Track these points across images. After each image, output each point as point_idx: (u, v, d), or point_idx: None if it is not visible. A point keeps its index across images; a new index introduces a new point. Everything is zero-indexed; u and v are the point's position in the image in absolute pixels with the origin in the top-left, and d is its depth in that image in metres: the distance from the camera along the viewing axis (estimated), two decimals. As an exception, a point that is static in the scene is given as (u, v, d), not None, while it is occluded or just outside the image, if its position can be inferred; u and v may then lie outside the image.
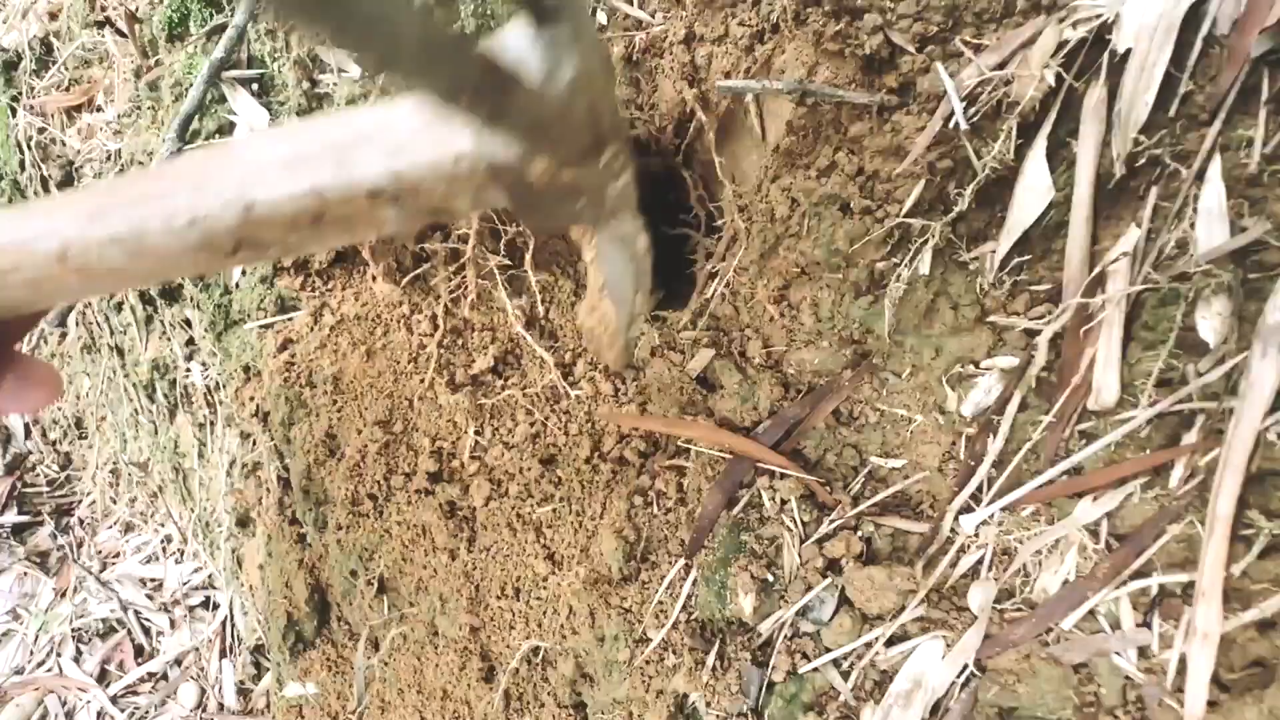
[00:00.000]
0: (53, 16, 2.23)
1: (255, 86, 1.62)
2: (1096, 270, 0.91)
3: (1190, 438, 0.86)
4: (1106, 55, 0.87)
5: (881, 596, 0.94)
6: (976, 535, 0.96)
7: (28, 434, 2.76)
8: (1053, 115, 0.92)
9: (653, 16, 1.19)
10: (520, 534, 1.25)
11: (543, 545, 1.23)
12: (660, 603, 1.07)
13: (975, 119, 0.93)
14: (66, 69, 2.12)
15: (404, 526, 1.37)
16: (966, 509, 0.98)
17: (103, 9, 2.01)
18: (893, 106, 0.98)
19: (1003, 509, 0.95)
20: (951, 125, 0.92)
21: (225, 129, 1.60)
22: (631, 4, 1.20)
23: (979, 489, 0.98)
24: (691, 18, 1.14)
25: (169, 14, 1.67)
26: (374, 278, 1.40)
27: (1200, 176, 0.85)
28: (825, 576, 0.98)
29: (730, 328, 1.18)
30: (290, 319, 1.53)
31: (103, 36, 2.01)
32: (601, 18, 1.21)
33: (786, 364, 1.11)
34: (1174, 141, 0.87)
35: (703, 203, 1.29)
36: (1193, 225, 0.86)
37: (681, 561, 1.07)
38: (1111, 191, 0.91)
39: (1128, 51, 0.85)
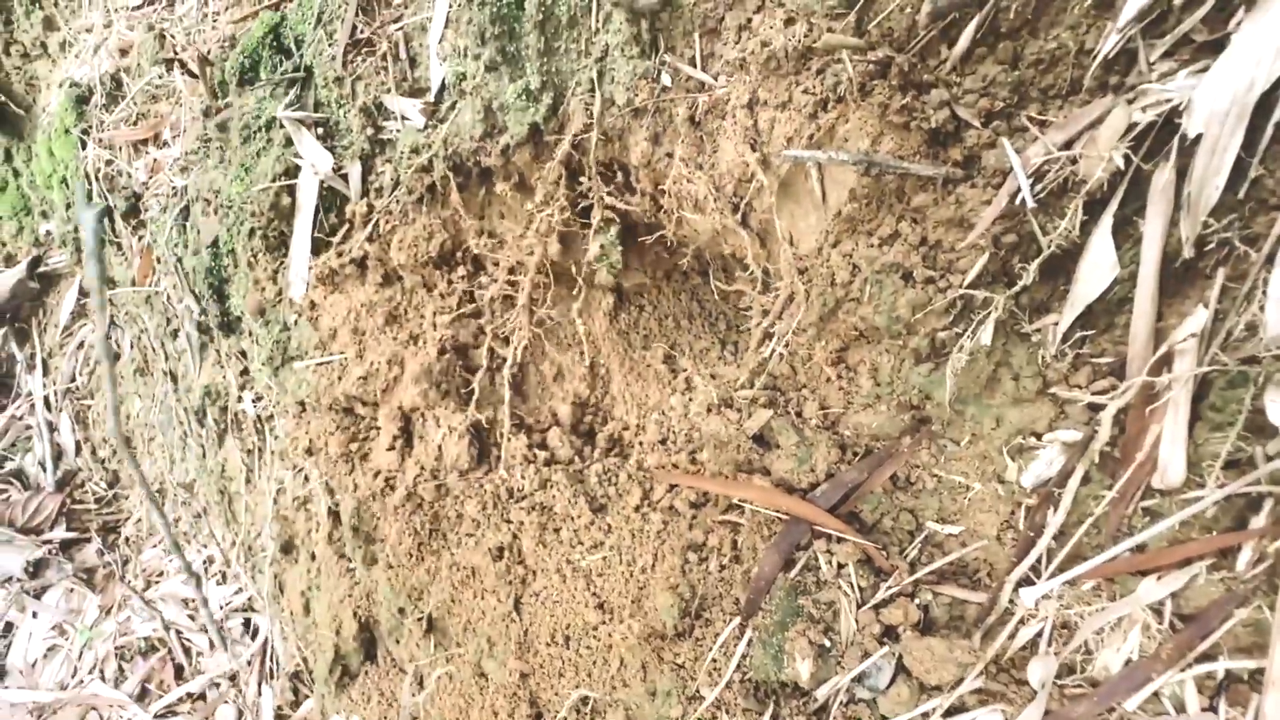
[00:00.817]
0: (123, 53, 2.32)
1: (320, 130, 1.68)
2: (1163, 349, 0.91)
3: (1259, 521, 0.86)
4: (1176, 139, 0.88)
5: (941, 668, 0.94)
6: (1036, 609, 0.96)
7: (78, 451, 2.84)
8: (1120, 194, 0.93)
9: (716, 79, 1.22)
10: (570, 581, 1.27)
11: (593, 593, 1.24)
12: (714, 661, 1.08)
13: (1041, 195, 0.94)
14: (135, 104, 2.20)
15: (454, 568, 1.40)
16: (1026, 581, 0.98)
17: (173, 48, 2.10)
18: (957, 179, 1.00)
19: (1064, 583, 0.95)
20: (1018, 201, 0.94)
21: (291, 171, 1.65)
22: (695, 66, 1.23)
23: (1039, 561, 0.98)
24: (755, 83, 1.16)
25: (241, 59, 1.74)
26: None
27: (1270, 260, 0.86)
28: (883, 643, 0.99)
29: (787, 387, 1.19)
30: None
31: (170, 75, 2.09)
32: (666, 79, 1.24)
33: (844, 426, 1.12)
34: (1243, 224, 0.87)
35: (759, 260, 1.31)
36: (1262, 308, 0.86)
37: (736, 621, 1.07)
38: (1178, 270, 0.92)
39: (1198, 136, 0.86)
